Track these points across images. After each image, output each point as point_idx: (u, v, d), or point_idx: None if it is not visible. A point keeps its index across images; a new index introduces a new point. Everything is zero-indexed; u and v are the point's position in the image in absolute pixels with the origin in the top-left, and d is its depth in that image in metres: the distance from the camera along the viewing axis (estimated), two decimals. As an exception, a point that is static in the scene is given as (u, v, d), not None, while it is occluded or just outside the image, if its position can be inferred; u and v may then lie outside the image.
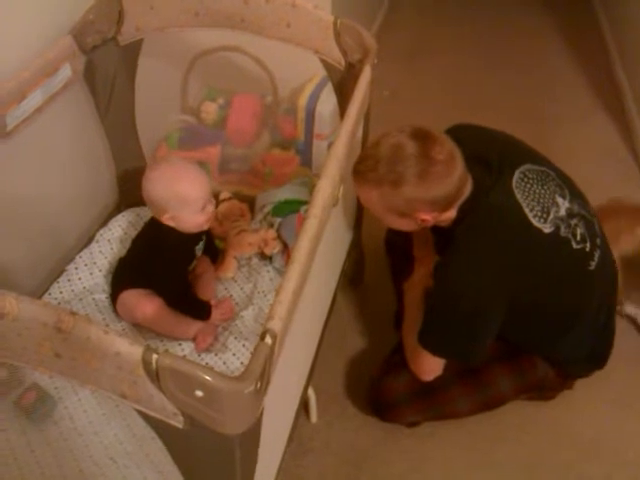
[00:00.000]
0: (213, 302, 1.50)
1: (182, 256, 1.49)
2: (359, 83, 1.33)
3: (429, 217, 1.31)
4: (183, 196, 1.38)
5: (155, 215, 1.45)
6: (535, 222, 1.32)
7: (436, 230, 1.44)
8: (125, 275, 1.51)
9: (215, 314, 1.48)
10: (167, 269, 1.46)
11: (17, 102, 1.26)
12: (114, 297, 1.49)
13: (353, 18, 1.45)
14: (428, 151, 1.23)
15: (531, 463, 1.57)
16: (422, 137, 1.24)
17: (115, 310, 1.50)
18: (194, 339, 1.44)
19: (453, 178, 1.26)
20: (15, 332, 0.76)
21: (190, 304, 1.48)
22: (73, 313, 0.74)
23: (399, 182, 1.24)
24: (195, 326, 1.44)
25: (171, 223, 1.42)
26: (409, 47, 3.43)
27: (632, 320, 1.87)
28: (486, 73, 3.19)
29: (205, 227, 1.48)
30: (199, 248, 1.53)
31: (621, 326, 1.60)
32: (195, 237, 1.50)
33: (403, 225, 1.38)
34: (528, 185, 1.36)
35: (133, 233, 1.62)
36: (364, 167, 1.29)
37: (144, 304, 1.43)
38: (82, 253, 1.62)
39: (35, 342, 0.77)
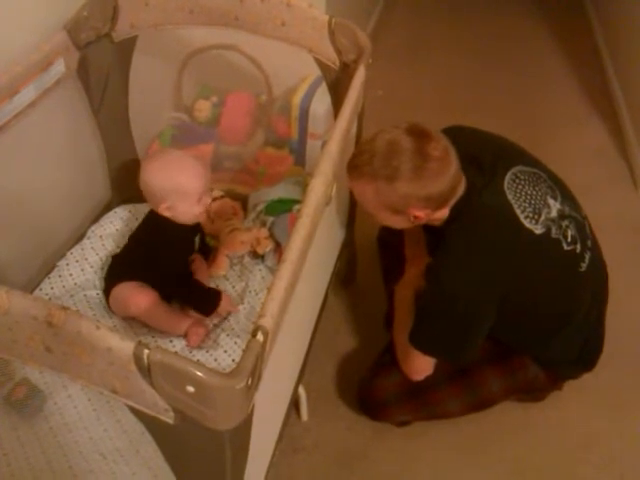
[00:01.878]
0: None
1: (184, 246, 1.50)
2: (353, 83, 1.33)
3: (422, 214, 1.31)
4: (183, 188, 1.40)
5: (152, 205, 1.46)
6: (526, 223, 1.33)
7: (428, 229, 1.45)
8: (120, 269, 1.50)
9: (224, 304, 1.45)
10: (171, 259, 1.46)
11: (9, 97, 1.26)
12: (107, 291, 1.49)
13: (348, 17, 1.45)
14: (423, 147, 1.23)
15: (521, 464, 1.58)
16: (418, 133, 1.25)
17: (107, 305, 1.49)
18: (185, 335, 1.44)
19: (447, 175, 1.27)
20: (6, 326, 0.76)
21: (199, 291, 1.47)
22: (64, 307, 0.74)
23: (394, 177, 1.24)
24: (187, 321, 1.44)
25: (167, 213, 1.43)
26: (404, 47, 3.44)
27: None
28: (480, 74, 3.20)
29: (201, 218, 1.49)
30: (197, 240, 1.54)
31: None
32: (193, 228, 1.51)
33: (396, 222, 1.39)
34: (520, 186, 1.36)
35: (125, 230, 1.61)
36: (359, 161, 1.29)
37: (137, 296, 1.43)
38: (74, 249, 1.62)
39: (26, 336, 0.77)
